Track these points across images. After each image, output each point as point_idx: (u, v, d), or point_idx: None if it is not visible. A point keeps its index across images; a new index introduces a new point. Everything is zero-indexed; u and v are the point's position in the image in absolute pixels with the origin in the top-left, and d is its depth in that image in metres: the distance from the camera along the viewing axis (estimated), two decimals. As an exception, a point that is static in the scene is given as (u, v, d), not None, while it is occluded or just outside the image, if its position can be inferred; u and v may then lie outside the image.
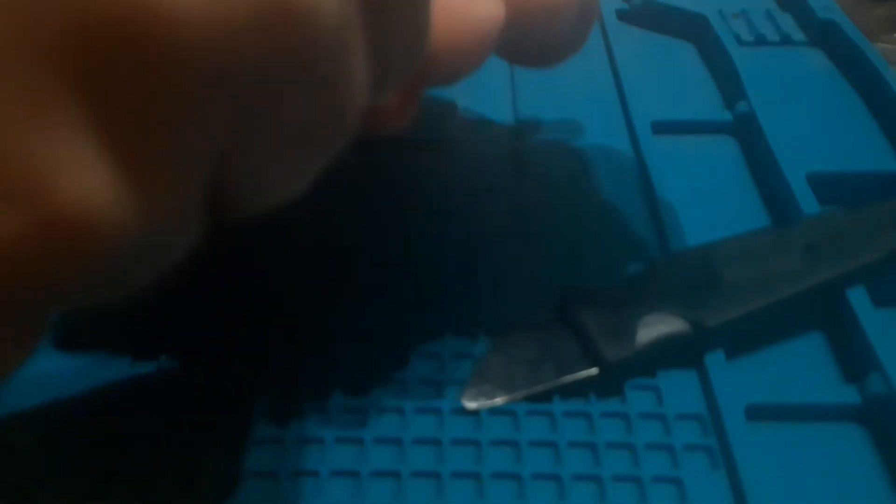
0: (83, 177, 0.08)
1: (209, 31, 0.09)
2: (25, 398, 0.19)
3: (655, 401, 0.20)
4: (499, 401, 0.20)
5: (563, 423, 0.19)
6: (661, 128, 0.28)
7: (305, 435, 0.19)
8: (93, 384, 0.20)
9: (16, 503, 0.17)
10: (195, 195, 0.10)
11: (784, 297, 0.21)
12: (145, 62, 0.08)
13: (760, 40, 0.33)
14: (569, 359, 0.20)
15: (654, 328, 0.20)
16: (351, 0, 0.10)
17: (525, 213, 0.24)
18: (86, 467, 0.18)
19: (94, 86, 0.08)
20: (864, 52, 0.30)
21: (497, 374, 0.20)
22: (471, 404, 0.20)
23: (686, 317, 0.20)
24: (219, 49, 0.09)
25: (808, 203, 0.24)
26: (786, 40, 0.33)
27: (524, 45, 0.19)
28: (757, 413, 0.19)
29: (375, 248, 0.23)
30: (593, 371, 0.20)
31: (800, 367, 0.21)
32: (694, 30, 0.34)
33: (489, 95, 0.29)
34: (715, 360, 0.20)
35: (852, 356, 0.21)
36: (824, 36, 0.33)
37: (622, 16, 0.35)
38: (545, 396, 0.20)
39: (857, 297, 0.22)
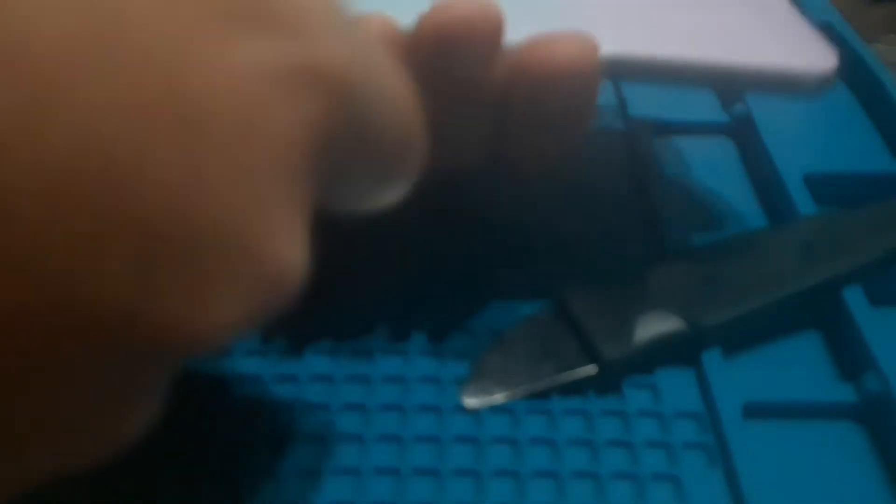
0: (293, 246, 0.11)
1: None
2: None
3: (653, 399, 0.20)
4: (498, 398, 0.20)
5: (561, 421, 0.19)
6: (659, 128, 0.28)
7: (307, 432, 0.19)
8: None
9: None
10: None
11: (781, 297, 0.21)
12: None
13: (758, 42, 0.33)
14: (567, 357, 0.20)
15: (652, 327, 0.20)
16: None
17: (525, 212, 0.25)
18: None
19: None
20: (860, 54, 0.30)
21: (497, 372, 0.20)
22: (471, 402, 0.20)
23: (684, 316, 0.21)
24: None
25: (804, 203, 0.25)
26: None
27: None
28: (754, 411, 0.20)
29: (375, 247, 0.23)
30: (592, 369, 0.20)
31: (797, 366, 0.21)
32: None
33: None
34: (712, 359, 0.21)
35: (849, 355, 0.21)
36: (821, 38, 0.33)
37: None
38: (544, 394, 0.20)
39: (854, 297, 0.22)
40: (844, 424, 0.20)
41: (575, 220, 0.24)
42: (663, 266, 0.22)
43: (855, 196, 0.25)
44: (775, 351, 0.22)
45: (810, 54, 0.21)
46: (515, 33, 0.18)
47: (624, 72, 0.20)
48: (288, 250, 0.11)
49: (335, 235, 0.23)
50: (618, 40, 0.19)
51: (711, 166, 0.28)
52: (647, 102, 0.29)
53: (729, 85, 0.22)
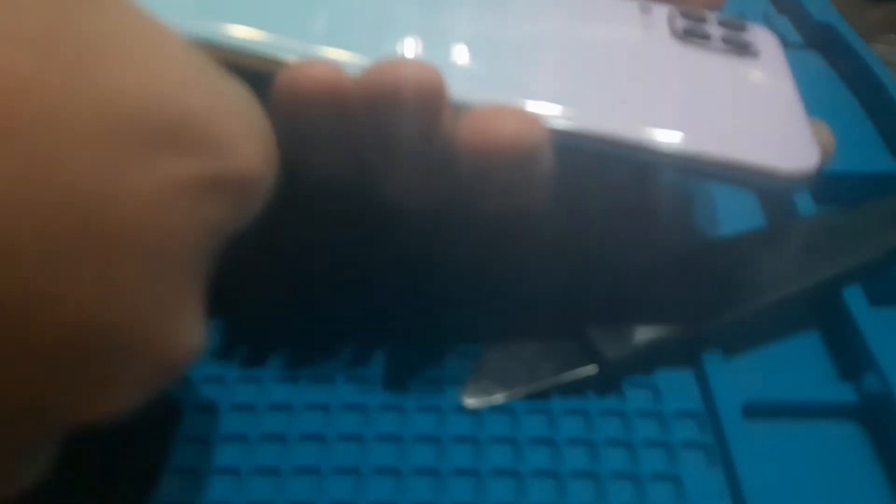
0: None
1: None
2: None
3: (653, 398, 0.20)
4: (498, 398, 0.20)
5: (561, 421, 0.19)
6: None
7: (307, 432, 0.19)
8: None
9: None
10: None
11: (781, 297, 0.21)
12: None
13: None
14: (567, 357, 0.20)
15: (652, 327, 0.20)
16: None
17: (525, 213, 0.25)
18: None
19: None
20: (860, 54, 0.30)
21: (497, 372, 0.20)
22: (471, 402, 0.20)
23: (684, 315, 0.21)
24: None
25: (804, 203, 0.25)
26: (782, 43, 0.33)
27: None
28: (754, 410, 0.20)
29: (376, 246, 0.23)
30: (592, 369, 0.20)
31: (796, 366, 0.21)
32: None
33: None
34: (712, 359, 0.21)
35: (848, 354, 0.21)
36: (821, 38, 0.33)
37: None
38: (544, 394, 0.20)
39: (854, 297, 0.22)
40: (844, 424, 0.20)
41: (575, 219, 0.24)
42: (662, 266, 0.22)
43: (855, 195, 0.25)
44: (775, 351, 0.22)
45: (789, 152, 0.18)
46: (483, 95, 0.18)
47: (578, 147, 0.18)
48: (188, 336, 0.13)
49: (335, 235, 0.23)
50: (583, 113, 0.18)
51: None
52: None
53: (689, 174, 0.18)
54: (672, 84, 0.19)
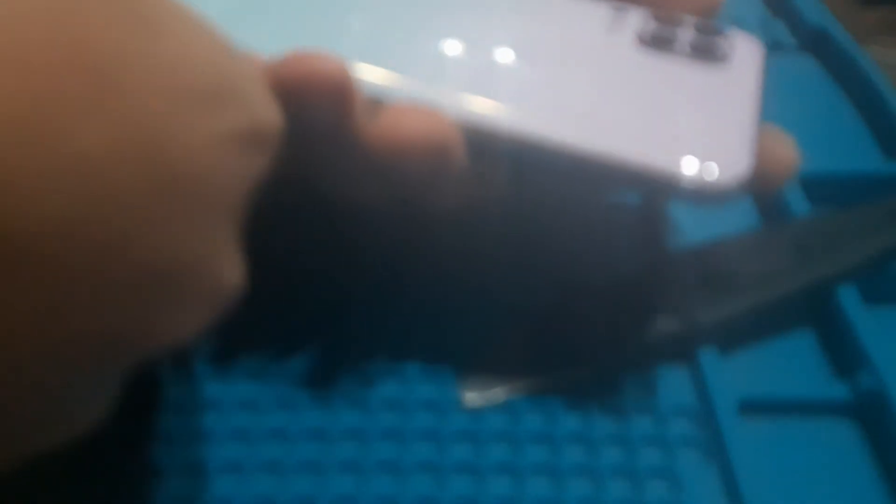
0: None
1: None
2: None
3: (650, 396, 0.20)
4: (498, 395, 0.20)
5: (559, 417, 0.20)
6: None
7: (308, 427, 0.19)
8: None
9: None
10: None
11: (776, 295, 0.22)
12: None
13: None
14: (567, 355, 0.21)
15: (650, 325, 0.21)
16: None
17: (525, 212, 0.25)
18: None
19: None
20: (854, 57, 0.31)
21: (496, 370, 0.20)
22: (471, 399, 0.20)
23: (680, 314, 0.21)
24: None
25: (799, 203, 0.25)
26: (777, 46, 0.33)
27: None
28: (749, 407, 0.20)
29: (377, 246, 0.23)
30: (591, 367, 0.20)
31: (792, 363, 0.21)
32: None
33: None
34: (708, 356, 0.21)
35: (843, 352, 0.21)
36: (815, 41, 0.33)
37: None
38: (543, 391, 0.20)
39: (848, 295, 0.22)
40: (839, 421, 0.20)
41: (574, 219, 0.24)
42: (660, 265, 0.22)
43: (849, 196, 0.25)
44: (771, 348, 0.22)
45: (711, 160, 0.17)
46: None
47: (494, 146, 0.18)
48: (232, 273, 0.14)
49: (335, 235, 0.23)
50: (514, 114, 0.18)
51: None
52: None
53: (596, 177, 0.18)
54: (605, 86, 0.19)
